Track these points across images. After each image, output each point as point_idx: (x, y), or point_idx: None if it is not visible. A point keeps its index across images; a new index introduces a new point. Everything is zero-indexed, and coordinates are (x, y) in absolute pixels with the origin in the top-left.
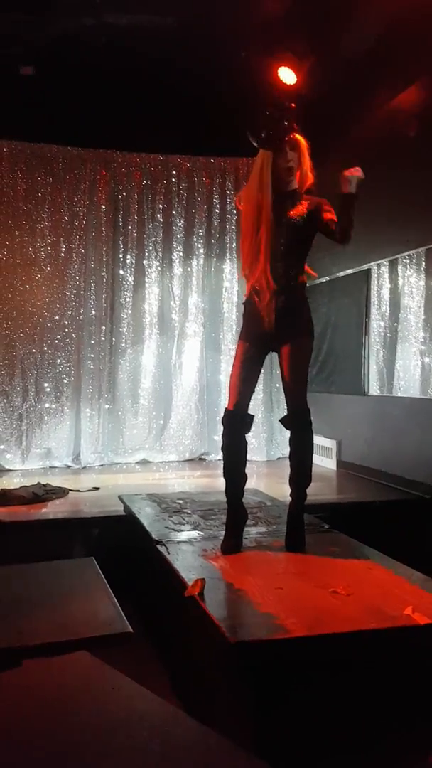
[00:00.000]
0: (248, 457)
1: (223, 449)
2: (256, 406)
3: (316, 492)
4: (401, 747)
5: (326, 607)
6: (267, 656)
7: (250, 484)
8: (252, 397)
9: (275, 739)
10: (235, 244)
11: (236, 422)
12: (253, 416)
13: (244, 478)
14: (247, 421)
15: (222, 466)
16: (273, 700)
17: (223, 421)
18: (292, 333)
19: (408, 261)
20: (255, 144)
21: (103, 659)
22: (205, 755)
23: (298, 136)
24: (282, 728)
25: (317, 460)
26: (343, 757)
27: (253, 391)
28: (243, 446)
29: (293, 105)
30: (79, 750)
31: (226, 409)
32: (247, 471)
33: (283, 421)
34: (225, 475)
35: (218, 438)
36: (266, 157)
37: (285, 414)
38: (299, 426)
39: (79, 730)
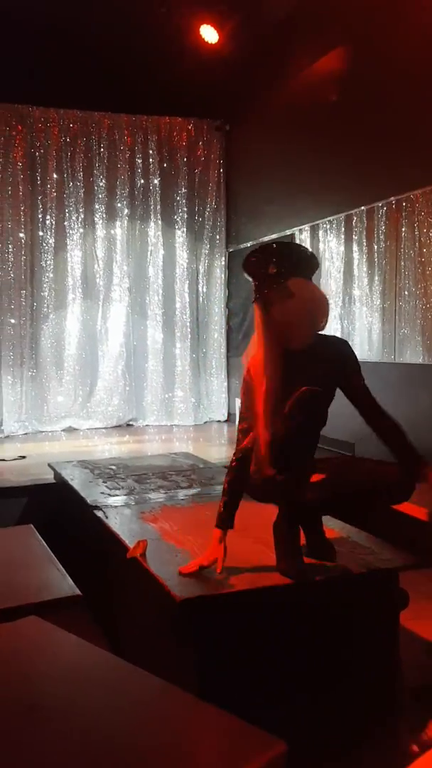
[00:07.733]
0: (177, 422)
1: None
2: (183, 371)
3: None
4: (345, 692)
5: (266, 562)
6: (213, 611)
7: (181, 447)
8: (179, 363)
9: (222, 695)
10: (159, 206)
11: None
12: None
13: None
14: None
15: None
16: (219, 655)
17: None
18: None
19: (329, 227)
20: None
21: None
22: (167, 707)
23: (294, 280)
24: (228, 683)
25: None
26: (291, 707)
27: None
28: None
29: (275, 245)
30: (39, 709)
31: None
32: (174, 434)
33: None
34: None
35: (146, 404)
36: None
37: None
38: None
39: (36, 691)
